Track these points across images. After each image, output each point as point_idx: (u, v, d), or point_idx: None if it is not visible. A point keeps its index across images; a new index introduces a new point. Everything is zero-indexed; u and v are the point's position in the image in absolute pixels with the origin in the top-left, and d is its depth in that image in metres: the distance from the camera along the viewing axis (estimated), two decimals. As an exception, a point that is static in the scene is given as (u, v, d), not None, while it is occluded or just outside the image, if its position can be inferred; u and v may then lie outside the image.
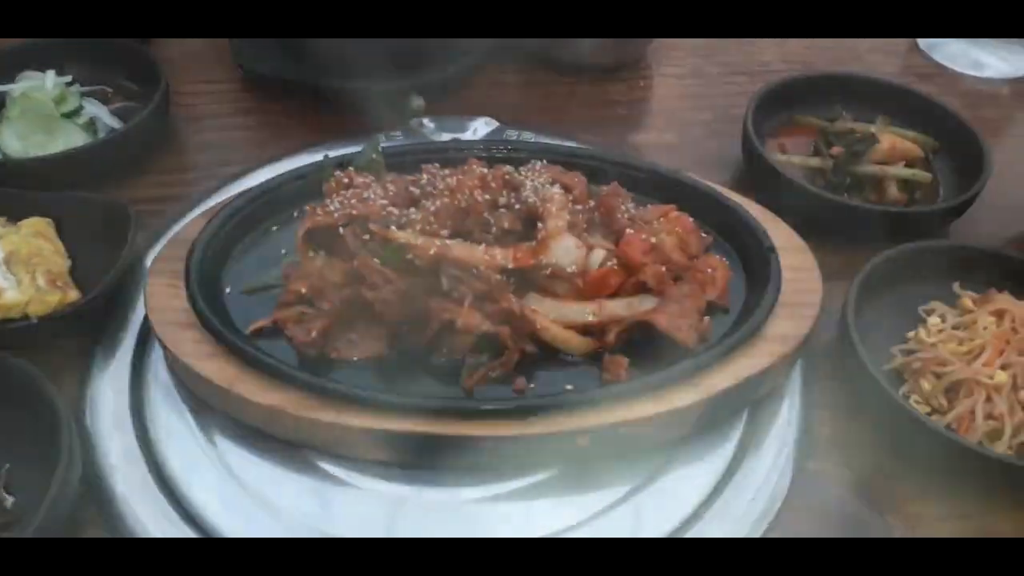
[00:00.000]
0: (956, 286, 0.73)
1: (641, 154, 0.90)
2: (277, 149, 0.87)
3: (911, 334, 0.70)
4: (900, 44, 1.11)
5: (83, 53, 0.91)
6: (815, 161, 0.85)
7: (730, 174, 0.89)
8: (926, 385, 0.66)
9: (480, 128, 0.90)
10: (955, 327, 0.69)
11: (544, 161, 0.74)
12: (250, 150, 0.88)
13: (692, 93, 1.00)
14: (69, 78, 0.88)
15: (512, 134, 0.89)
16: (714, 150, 0.92)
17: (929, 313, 0.72)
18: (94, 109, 0.87)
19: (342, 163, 0.74)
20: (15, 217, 0.73)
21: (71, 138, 0.83)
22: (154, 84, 0.87)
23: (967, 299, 0.72)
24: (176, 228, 0.75)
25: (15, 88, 0.85)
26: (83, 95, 0.89)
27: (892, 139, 0.84)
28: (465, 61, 0.96)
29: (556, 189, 0.70)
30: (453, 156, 0.77)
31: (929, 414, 0.65)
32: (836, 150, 0.84)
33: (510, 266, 0.64)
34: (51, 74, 0.87)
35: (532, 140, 0.84)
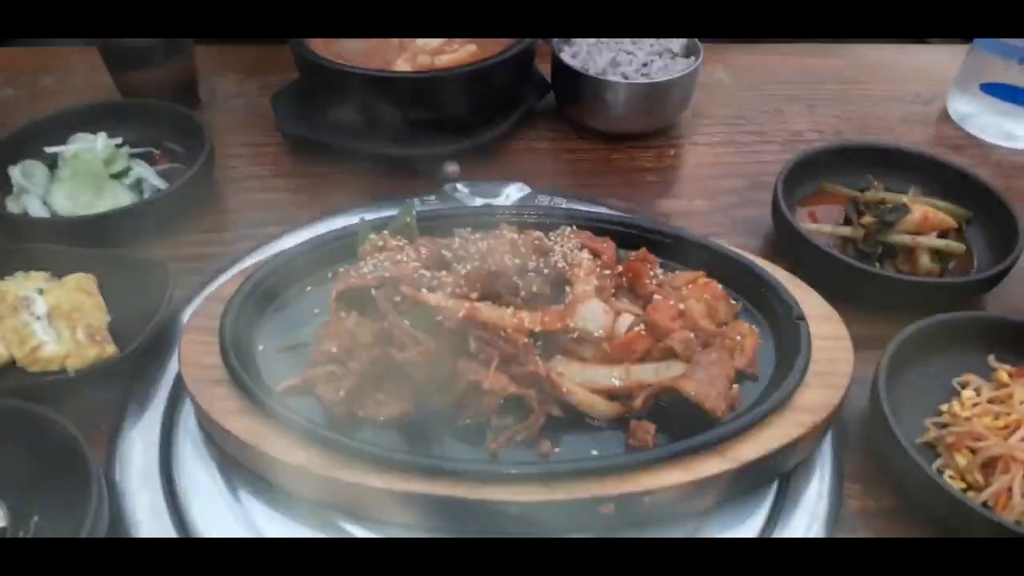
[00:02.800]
0: (991, 359, 0.72)
1: (670, 220, 0.91)
2: (315, 210, 0.90)
3: (945, 407, 0.69)
4: (931, 114, 1.12)
5: (133, 116, 0.96)
6: (846, 230, 0.85)
7: (760, 241, 0.89)
8: (961, 460, 0.64)
9: (512, 193, 0.91)
10: (990, 400, 0.68)
11: (573, 227, 0.75)
12: (289, 211, 0.90)
13: (723, 161, 1.01)
14: (119, 140, 0.92)
15: (543, 199, 0.91)
16: (744, 217, 0.92)
17: (963, 386, 0.71)
18: (141, 170, 0.90)
19: (377, 226, 0.76)
20: (60, 272, 0.76)
21: (118, 197, 0.86)
22: (199, 146, 0.90)
23: (1003, 372, 0.70)
24: (213, 286, 0.77)
25: (67, 149, 0.89)
26: (131, 156, 0.92)
27: (924, 209, 0.84)
28: (499, 128, 0.98)
29: (585, 254, 0.71)
30: (485, 221, 0.78)
31: (964, 490, 0.63)
32: (867, 219, 0.84)
33: (538, 329, 0.65)
34: (102, 136, 0.91)
35: (563, 206, 0.85)
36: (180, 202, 0.86)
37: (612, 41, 1.04)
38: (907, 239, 0.83)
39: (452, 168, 0.93)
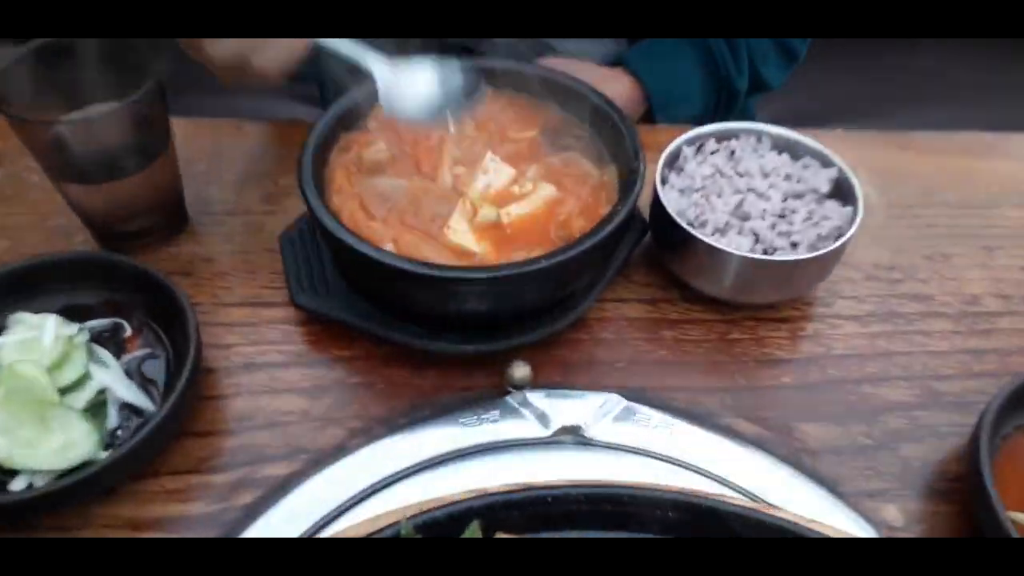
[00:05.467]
0: None
1: (818, 462, 0.67)
2: (336, 428, 0.67)
3: None
4: None
5: (93, 275, 0.71)
6: (1076, 525, 0.61)
7: (941, 506, 0.65)
8: None
9: (603, 407, 0.68)
10: None
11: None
12: (299, 432, 0.67)
13: (879, 350, 0.75)
14: (74, 329, 0.68)
15: (644, 415, 0.68)
16: (915, 459, 0.68)
17: None
18: (103, 376, 0.66)
19: (429, 524, 0.53)
20: None
21: (70, 433, 0.63)
22: (181, 328, 0.67)
23: None
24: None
25: (3, 349, 0.66)
26: (91, 338, 0.69)
27: None
28: (581, 308, 0.73)
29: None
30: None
31: None
32: (1111, 518, 0.59)
33: None
34: (51, 323, 0.67)
35: (669, 495, 0.61)
36: (152, 445, 0.63)
37: (734, 173, 0.78)
38: None
39: (521, 372, 0.69)
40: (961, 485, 0.66)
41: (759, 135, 0.82)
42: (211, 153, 0.89)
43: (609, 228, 0.67)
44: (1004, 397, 0.64)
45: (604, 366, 0.73)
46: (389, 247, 0.67)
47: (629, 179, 0.71)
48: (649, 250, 0.81)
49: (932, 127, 1.00)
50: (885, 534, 0.61)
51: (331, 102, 0.76)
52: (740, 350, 0.75)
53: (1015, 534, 0.58)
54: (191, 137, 0.87)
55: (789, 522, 0.55)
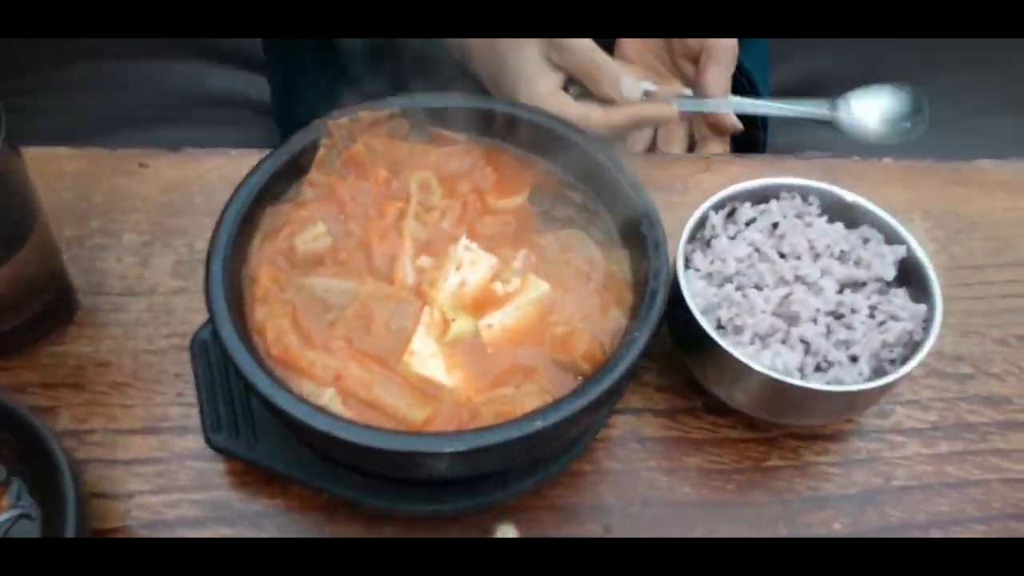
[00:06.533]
0: None
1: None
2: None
3: None
4: None
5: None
6: None
7: None
8: None
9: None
10: None
11: None
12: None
13: (949, 481, 0.60)
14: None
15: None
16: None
17: None
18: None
19: None
20: None
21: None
22: (56, 487, 0.50)
23: None
24: None
25: None
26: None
27: None
28: (577, 450, 0.57)
29: None
30: None
31: None
32: None
33: None
34: None
35: None
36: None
37: (775, 252, 0.61)
38: None
39: (508, 533, 0.53)
40: None
41: (804, 193, 0.65)
42: (105, 204, 0.70)
43: (625, 364, 0.50)
44: None
45: (611, 513, 0.58)
46: (329, 396, 0.50)
47: (648, 286, 0.54)
48: (664, 339, 0.65)
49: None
50: None
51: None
52: (782, 482, 0.60)
53: None
54: (77, 180, 0.68)
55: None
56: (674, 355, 0.64)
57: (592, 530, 0.57)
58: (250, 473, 0.57)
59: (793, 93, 0.89)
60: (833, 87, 0.75)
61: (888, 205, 0.63)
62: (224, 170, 0.72)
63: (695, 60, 0.75)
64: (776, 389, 0.56)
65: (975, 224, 0.76)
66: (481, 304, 0.56)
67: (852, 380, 0.56)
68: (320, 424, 0.46)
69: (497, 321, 0.55)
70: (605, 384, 0.49)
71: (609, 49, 0.73)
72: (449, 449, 0.47)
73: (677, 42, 0.76)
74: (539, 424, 0.48)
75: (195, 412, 0.58)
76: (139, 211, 0.70)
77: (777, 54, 0.95)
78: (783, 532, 0.58)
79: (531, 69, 0.69)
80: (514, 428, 0.47)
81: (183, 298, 0.65)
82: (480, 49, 0.72)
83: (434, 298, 0.55)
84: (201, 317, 0.57)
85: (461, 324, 0.54)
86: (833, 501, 0.60)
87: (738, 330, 0.58)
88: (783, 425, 0.62)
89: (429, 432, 0.49)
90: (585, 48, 0.68)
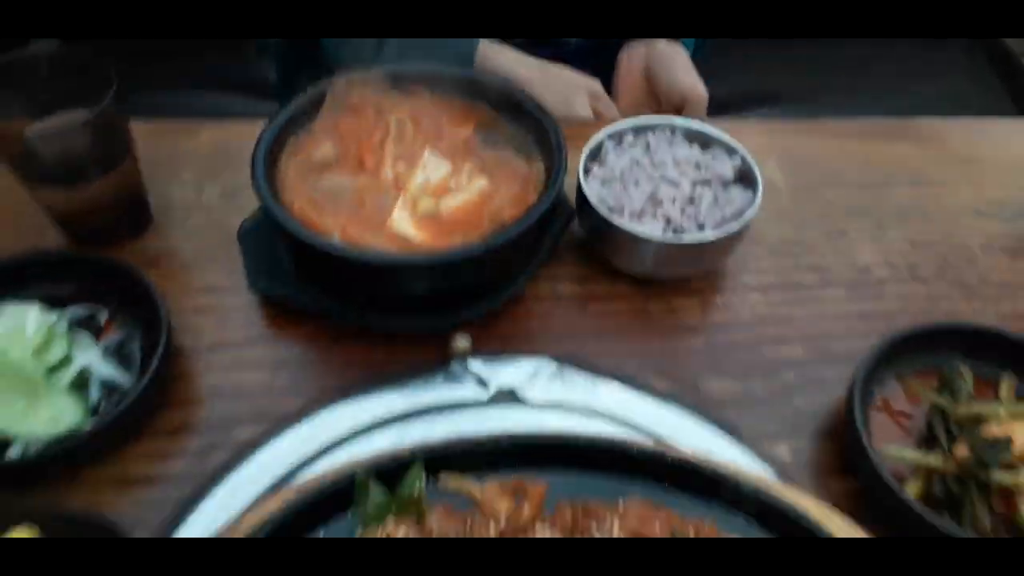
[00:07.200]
0: None
1: (726, 412, 0.76)
2: (296, 396, 0.75)
3: None
4: (1020, 233, 0.96)
5: (65, 269, 0.79)
6: (934, 459, 0.71)
7: (823, 449, 0.75)
8: None
9: (536, 371, 0.77)
10: None
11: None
12: (265, 400, 0.75)
13: (779, 314, 0.85)
14: (53, 317, 0.75)
15: (572, 376, 0.77)
16: (806, 408, 0.78)
17: None
18: (84, 357, 0.74)
19: (377, 468, 0.62)
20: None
21: (57, 406, 0.70)
22: (152, 310, 0.74)
23: None
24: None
25: (-10, 335, 0.73)
26: (71, 325, 0.76)
27: (1028, 432, 0.70)
28: (515, 286, 0.82)
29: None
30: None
31: None
32: (962, 453, 0.70)
33: None
34: (33, 313, 0.74)
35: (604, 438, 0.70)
36: (132, 415, 0.70)
37: (649, 164, 0.87)
38: (1007, 478, 0.69)
39: (462, 344, 0.77)
40: (844, 438, 0.75)
41: (672, 128, 0.91)
42: (170, 155, 0.96)
43: (535, 215, 0.76)
44: (876, 351, 0.74)
45: (538, 336, 0.82)
46: (336, 237, 0.75)
47: (552, 172, 0.79)
48: (577, 235, 0.90)
49: (855, 112, 1.11)
50: (775, 468, 0.71)
51: (285, 86, 0.84)
52: (657, 319, 0.84)
53: (890, 482, 0.68)
54: (150, 139, 0.94)
55: (687, 455, 0.64)
56: (584, 244, 0.89)
57: (521, 349, 0.81)
58: (280, 313, 0.81)
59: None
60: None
61: (752, 147, 0.88)
62: (255, 134, 0.98)
63: (679, 110, 1.09)
64: (645, 246, 0.81)
65: (814, 159, 1.03)
66: (440, 192, 0.81)
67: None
68: (335, 248, 0.71)
69: (451, 202, 0.80)
70: (522, 226, 0.74)
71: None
72: (420, 261, 0.71)
73: (663, 95, 1.11)
74: (477, 248, 0.73)
75: (241, 281, 0.83)
76: (192, 160, 0.96)
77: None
78: (656, 348, 0.82)
79: (578, 106, 1.09)
80: (461, 250, 0.73)
81: (229, 214, 0.90)
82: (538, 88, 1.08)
83: (408, 189, 0.81)
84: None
85: (426, 204, 0.80)
86: (693, 330, 0.84)
87: (621, 210, 0.84)
88: (659, 283, 0.87)
89: (407, 253, 0.74)
90: (611, 104, 1.11)
